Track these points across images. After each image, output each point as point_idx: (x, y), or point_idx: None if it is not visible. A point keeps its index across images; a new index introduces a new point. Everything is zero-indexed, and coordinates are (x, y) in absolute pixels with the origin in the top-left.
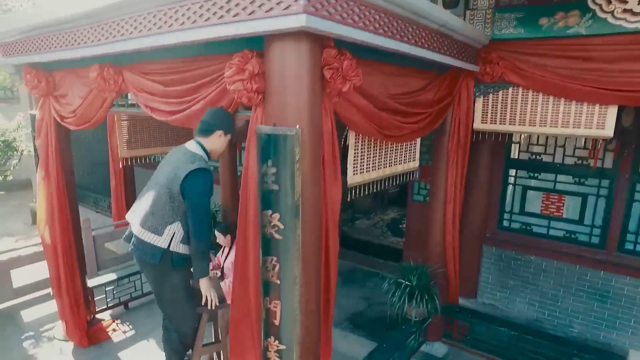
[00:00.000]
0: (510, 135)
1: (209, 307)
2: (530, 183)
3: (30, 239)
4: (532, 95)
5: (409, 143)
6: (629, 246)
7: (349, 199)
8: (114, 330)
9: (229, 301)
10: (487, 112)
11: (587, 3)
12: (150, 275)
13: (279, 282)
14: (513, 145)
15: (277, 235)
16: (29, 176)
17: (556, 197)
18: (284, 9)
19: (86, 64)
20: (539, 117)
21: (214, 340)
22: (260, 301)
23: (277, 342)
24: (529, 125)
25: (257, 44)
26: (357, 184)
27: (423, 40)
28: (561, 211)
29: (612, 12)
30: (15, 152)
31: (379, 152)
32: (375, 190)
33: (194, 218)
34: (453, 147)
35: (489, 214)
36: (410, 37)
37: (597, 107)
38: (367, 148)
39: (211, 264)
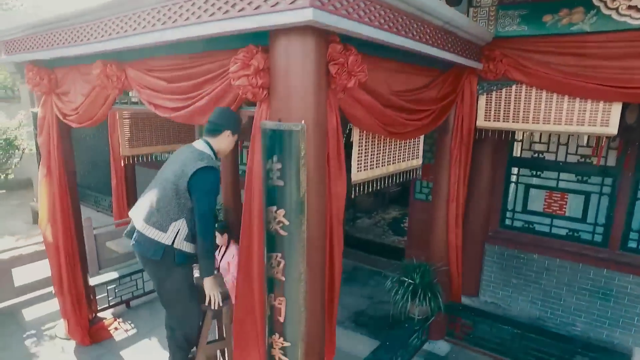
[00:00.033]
0: (513, 133)
1: (212, 307)
2: (533, 181)
3: (31, 238)
4: (536, 92)
5: (412, 140)
6: (632, 244)
7: (353, 196)
8: (115, 328)
9: (233, 298)
10: (490, 110)
11: (591, 0)
12: (152, 272)
13: (283, 278)
14: (515, 143)
15: (282, 232)
16: (30, 175)
17: (559, 195)
18: (290, 3)
19: (89, 61)
20: (542, 114)
21: (218, 338)
22: (264, 298)
23: (281, 339)
24: (533, 122)
25: (261, 40)
26: (361, 181)
27: (427, 37)
28: (564, 209)
29: (616, 9)
30: (16, 151)
31: (383, 149)
32: (379, 187)
33: (201, 216)
34: (456, 145)
35: (492, 213)
36: (414, 33)
37: (601, 104)
38: (371, 145)
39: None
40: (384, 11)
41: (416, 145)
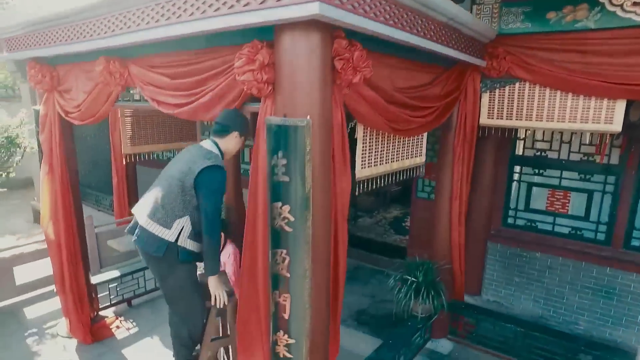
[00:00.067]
0: (516, 131)
1: (218, 306)
2: (536, 179)
3: (31, 237)
4: (539, 90)
5: (415, 138)
6: (635, 243)
7: (357, 193)
8: (117, 327)
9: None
10: (493, 108)
11: None
12: (155, 269)
13: (288, 275)
14: (518, 141)
15: (287, 228)
16: (30, 174)
17: (561, 193)
18: None
19: (91, 58)
20: (546, 112)
21: (222, 335)
22: (269, 295)
23: (286, 336)
24: (536, 120)
25: (266, 35)
26: (365, 178)
27: (432, 33)
28: (566, 208)
29: (621, 6)
30: (18, 149)
31: (387, 147)
32: (382, 184)
33: (207, 214)
34: (459, 142)
35: (494, 211)
36: (419, 29)
37: (605, 101)
38: (375, 142)
39: None
40: (389, 6)
41: (419, 143)
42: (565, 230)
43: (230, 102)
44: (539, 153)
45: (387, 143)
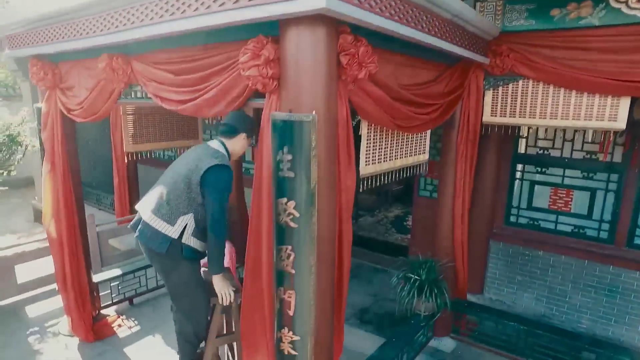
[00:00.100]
0: (518, 129)
1: (223, 304)
2: (538, 178)
3: (32, 236)
4: (543, 87)
5: (419, 136)
6: (639, 241)
7: (361, 190)
8: (119, 325)
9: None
10: (496, 105)
11: None
12: (158, 265)
13: (293, 271)
14: (520, 139)
15: (292, 224)
16: (31, 174)
17: (564, 192)
18: None
19: (93, 55)
20: (549, 109)
21: (227, 332)
22: (273, 291)
23: (290, 332)
24: (540, 117)
25: (270, 30)
26: (368, 175)
27: (436, 30)
28: (569, 206)
29: (626, 2)
30: (19, 147)
31: (391, 144)
32: (386, 182)
33: (213, 213)
34: (462, 140)
35: (496, 209)
36: (424, 25)
37: (609, 99)
38: (379, 139)
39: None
40: (394, 1)
41: (423, 141)
42: (568, 229)
43: (235, 98)
44: (541, 151)
45: (391, 140)
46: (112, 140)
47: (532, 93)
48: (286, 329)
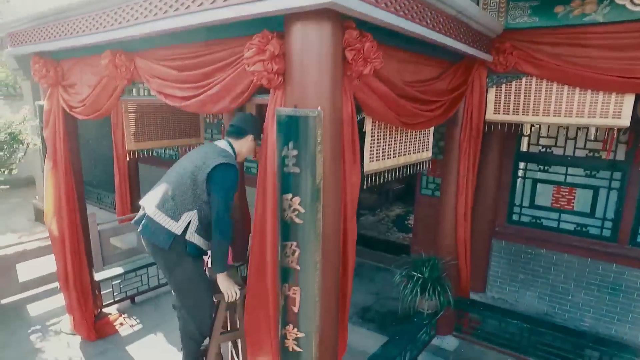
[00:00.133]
0: (521, 127)
1: (228, 301)
2: (541, 176)
3: (33, 235)
4: (546, 85)
5: (422, 133)
6: None
7: (365, 186)
8: (121, 324)
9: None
10: (499, 103)
11: None
12: (161, 261)
13: (298, 267)
14: (523, 138)
15: (297, 220)
16: (31, 173)
17: (567, 190)
18: None
19: (96, 52)
20: (553, 107)
21: (231, 328)
22: (278, 288)
23: (295, 329)
24: (543, 115)
25: (274, 26)
26: (373, 171)
27: (441, 26)
28: (572, 204)
29: None
30: (21, 145)
31: (394, 141)
32: (389, 179)
33: (218, 211)
34: (465, 137)
35: (499, 208)
36: (429, 21)
37: (613, 96)
38: (383, 136)
39: None
40: None
41: (426, 138)
42: (571, 227)
43: (239, 94)
44: (544, 149)
45: (395, 137)
46: (113, 139)
47: (536, 90)
48: (291, 326)
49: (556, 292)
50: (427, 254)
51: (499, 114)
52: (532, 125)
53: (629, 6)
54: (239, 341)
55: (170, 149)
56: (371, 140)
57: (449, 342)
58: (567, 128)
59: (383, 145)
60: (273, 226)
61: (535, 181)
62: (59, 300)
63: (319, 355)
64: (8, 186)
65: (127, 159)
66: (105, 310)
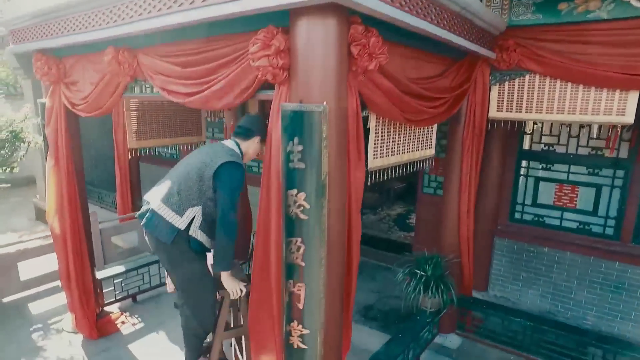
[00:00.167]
0: (523, 125)
1: (234, 297)
2: (543, 174)
3: (34, 234)
4: (550, 82)
5: (425, 130)
6: None
7: (369, 183)
8: (122, 322)
9: None
10: (502, 100)
11: None
12: (164, 255)
13: (303, 264)
14: (525, 136)
15: (302, 216)
16: (32, 173)
17: (569, 188)
18: None
19: (99, 49)
20: (556, 104)
21: (234, 325)
22: (282, 284)
23: (300, 326)
24: (546, 112)
25: (279, 21)
26: (377, 168)
27: (445, 22)
28: (574, 202)
29: None
30: (22, 144)
31: (398, 138)
32: (393, 176)
33: (223, 208)
34: (468, 135)
35: (501, 206)
36: (433, 17)
37: (617, 93)
38: (387, 132)
39: None
40: None
41: (429, 135)
42: (573, 225)
43: (244, 90)
44: (546, 147)
45: (399, 134)
46: (114, 138)
47: (539, 88)
48: (295, 323)
49: (559, 291)
50: (429, 252)
51: (502, 111)
52: (534, 123)
53: (634, 2)
54: (242, 338)
55: (171, 148)
56: (375, 137)
57: (452, 340)
58: (569, 126)
59: (387, 142)
60: (278, 222)
61: (538, 179)
62: (61, 298)
63: (324, 353)
64: (9, 185)
65: (129, 157)
66: (106, 308)
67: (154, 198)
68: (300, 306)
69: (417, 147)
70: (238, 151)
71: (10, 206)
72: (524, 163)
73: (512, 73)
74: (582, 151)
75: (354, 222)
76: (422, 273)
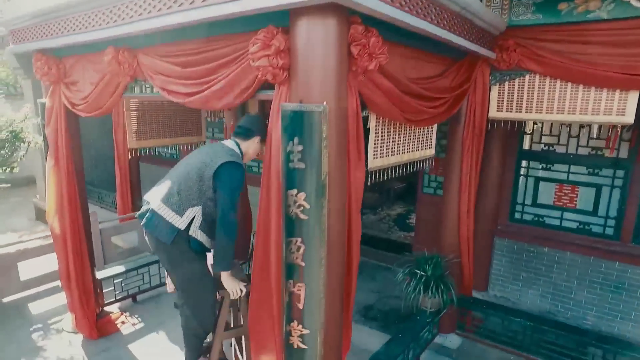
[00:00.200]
0: (523, 125)
1: (234, 297)
2: (543, 174)
3: (33, 234)
4: (550, 82)
5: (425, 130)
6: None
7: (369, 183)
8: (122, 322)
9: None
10: (502, 100)
11: None
12: (164, 255)
13: (303, 264)
14: (525, 136)
15: (302, 216)
16: (32, 173)
17: (569, 188)
18: None
19: (98, 49)
20: (556, 104)
21: (235, 325)
22: (282, 284)
23: (300, 326)
24: (546, 112)
25: (279, 21)
26: (377, 168)
27: (445, 22)
28: (574, 202)
29: None
30: (22, 144)
31: (398, 138)
32: (393, 176)
33: (223, 208)
34: (468, 135)
35: (501, 206)
36: (433, 17)
37: (617, 93)
38: (387, 132)
39: None
40: None
41: (430, 135)
42: (573, 225)
43: (244, 90)
44: (546, 147)
45: (399, 134)
46: (114, 138)
47: (539, 88)
48: (295, 323)
49: (559, 291)
50: (429, 252)
51: (502, 111)
52: (534, 123)
53: (634, 2)
54: (242, 338)
55: (171, 148)
56: (375, 137)
57: (452, 340)
58: (569, 126)
59: (387, 142)
60: (278, 222)
61: (538, 179)
62: (61, 298)
63: (324, 353)
64: (9, 185)
65: (129, 157)
66: (106, 308)
67: (154, 198)
68: (300, 306)
69: (417, 147)
70: (238, 151)
71: (10, 206)
72: (524, 163)
73: (512, 73)
74: (582, 151)
75: (354, 222)
76: (422, 273)
